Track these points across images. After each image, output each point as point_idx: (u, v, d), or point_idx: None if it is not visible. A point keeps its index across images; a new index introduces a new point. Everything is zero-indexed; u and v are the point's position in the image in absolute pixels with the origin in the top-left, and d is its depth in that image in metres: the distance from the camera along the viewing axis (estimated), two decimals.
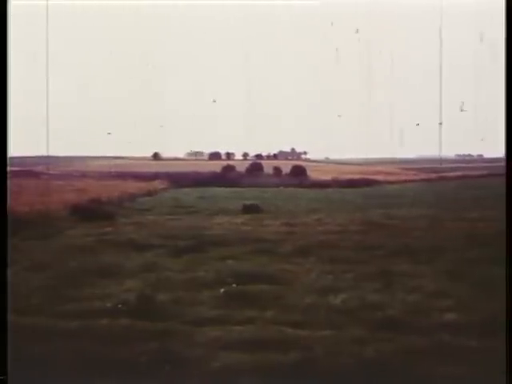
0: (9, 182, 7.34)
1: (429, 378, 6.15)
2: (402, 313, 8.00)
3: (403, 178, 54.47)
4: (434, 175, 54.11)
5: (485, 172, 55.72)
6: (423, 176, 54.96)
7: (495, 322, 7.52)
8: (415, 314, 7.97)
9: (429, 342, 6.94)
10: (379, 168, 59.87)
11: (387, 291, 9.20)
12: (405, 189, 44.30)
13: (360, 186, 45.50)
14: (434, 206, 25.67)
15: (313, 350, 6.68)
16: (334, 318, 7.86)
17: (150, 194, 37.75)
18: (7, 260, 7.23)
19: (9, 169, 7.34)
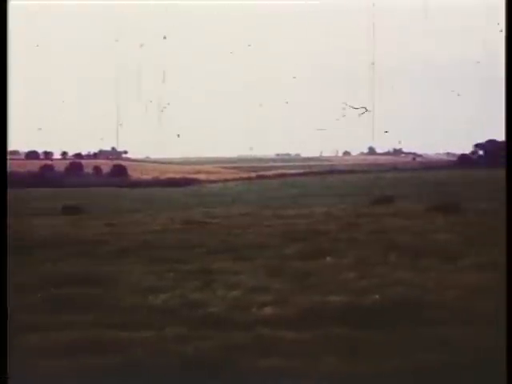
0: None
1: (250, 372, 6.31)
2: (223, 309, 8.15)
3: (224, 176, 55.41)
4: (253, 174, 55.58)
5: (301, 171, 57.91)
6: (243, 175, 56.28)
7: (311, 315, 7.84)
8: (235, 310, 8.15)
9: (249, 336, 7.12)
10: (201, 167, 60.63)
11: (208, 289, 9.35)
12: (226, 187, 45.10)
13: (181, 185, 45.76)
14: (254, 204, 26.34)
15: (134, 351, 6.67)
16: (156, 317, 7.88)
17: None
18: (7, 260, 6.95)
19: None
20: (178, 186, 44.94)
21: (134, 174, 52.26)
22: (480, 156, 59.61)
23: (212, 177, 54.08)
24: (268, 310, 8.05)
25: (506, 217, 7.30)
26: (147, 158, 66.65)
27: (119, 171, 52.36)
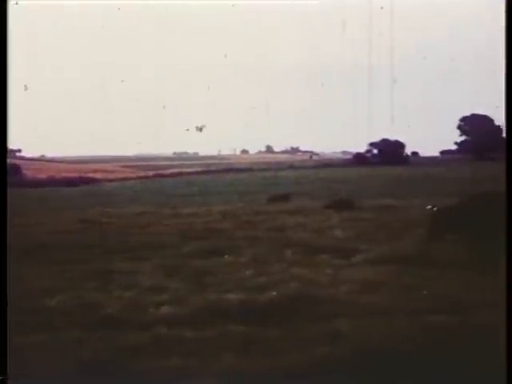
0: None
1: (148, 373, 6.29)
2: (120, 310, 8.09)
3: (121, 175, 54.73)
4: (151, 173, 55.14)
5: (199, 169, 57.80)
6: (141, 174, 55.76)
7: (209, 313, 7.89)
8: (133, 310, 8.10)
9: (146, 336, 7.10)
10: (97, 166, 59.64)
11: (105, 289, 9.25)
12: (123, 187, 44.54)
13: (78, 185, 44.89)
14: (151, 203, 26.12)
15: (27, 354, 6.55)
16: (51, 319, 7.75)
17: None
18: (7, 260, 6.72)
19: None
20: (75, 185, 44.04)
21: (29, 173, 50.84)
22: (374, 155, 61.23)
23: (109, 176, 53.22)
24: (165, 310, 8.05)
25: (506, 215, 7.12)
26: (42, 156, 65.02)
27: (13, 170, 50.81)
